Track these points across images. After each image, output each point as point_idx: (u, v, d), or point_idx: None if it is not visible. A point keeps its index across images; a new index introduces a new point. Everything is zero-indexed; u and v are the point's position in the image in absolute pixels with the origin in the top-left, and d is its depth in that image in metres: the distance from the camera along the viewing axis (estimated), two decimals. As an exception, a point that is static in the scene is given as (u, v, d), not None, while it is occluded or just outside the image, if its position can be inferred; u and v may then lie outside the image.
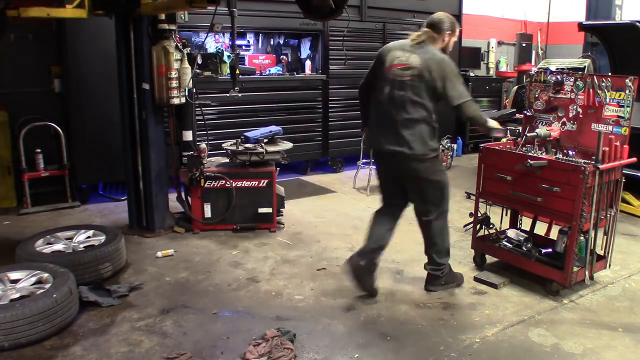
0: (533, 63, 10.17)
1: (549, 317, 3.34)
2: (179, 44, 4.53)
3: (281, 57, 7.03)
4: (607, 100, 3.62)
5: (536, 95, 4.03)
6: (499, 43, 10.19)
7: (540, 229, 4.14)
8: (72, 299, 3.13)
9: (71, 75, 5.42)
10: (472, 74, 8.96)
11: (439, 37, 3.38)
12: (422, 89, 3.24)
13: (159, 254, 4.23)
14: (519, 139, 3.89)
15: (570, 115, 3.84)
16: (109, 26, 4.62)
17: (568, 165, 3.42)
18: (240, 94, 5.06)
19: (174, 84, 4.44)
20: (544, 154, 3.73)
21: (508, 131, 3.83)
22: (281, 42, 7.18)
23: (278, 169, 5.15)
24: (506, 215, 4.15)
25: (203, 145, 4.75)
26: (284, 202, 5.06)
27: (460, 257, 4.26)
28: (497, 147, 3.95)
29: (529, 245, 3.82)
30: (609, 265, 3.79)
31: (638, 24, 5.67)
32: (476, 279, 3.82)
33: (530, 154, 3.71)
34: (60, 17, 4.44)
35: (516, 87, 8.49)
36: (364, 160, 6.43)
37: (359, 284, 3.51)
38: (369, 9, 7.08)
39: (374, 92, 3.44)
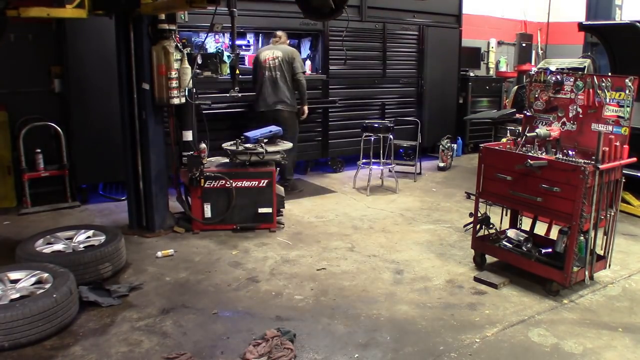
0: (533, 63, 10.18)
1: (549, 317, 3.34)
2: (179, 44, 4.53)
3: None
4: (607, 100, 3.62)
5: (536, 95, 4.03)
6: (499, 43, 10.20)
7: (540, 229, 4.14)
8: (72, 299, 3.13)
9: (71, 75, 5.42)
10: (472, 74, 8.95)
11: (285, 39, 6.15)
12: (284, 68, 5.87)
13: (159, 254, 4.23)
14: (519, 139, 3.89)
15: (570, 115, 3.84)
16: (109, 26, 4.62)
17: (568, 165, 3.42)
18: (240, 94, 5.05)
19: (174, 84, 4.44)
20: (544, 154, 3.73)
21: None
22: (281, 42, 7.25)
23: (278, 169, 5.16)
24: (506, 215, 4.15)
25: (203, 145, 4.75)
26: (284, 202, 5.06)
27: (460, 257, 4.27)
28: (497, 147, 3.95)
29: (529, 245, 3.82)
30: (609, 265, 3.79)
31: (638, 24, 5.67)
32: (476, 279, 3.82)
33: (530, 154, 3.71)
34: (60, 17, 4.44)
35: (516, 87, 8.49)
36: (364, 160, 6.43)
37: None
38: (369, 9, 7.09)
39: (259, 78, 5.94)
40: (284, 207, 5.06)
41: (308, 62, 6.91)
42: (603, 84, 3.63)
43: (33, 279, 3.25)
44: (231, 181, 4.70)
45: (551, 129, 3.87)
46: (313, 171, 7.15)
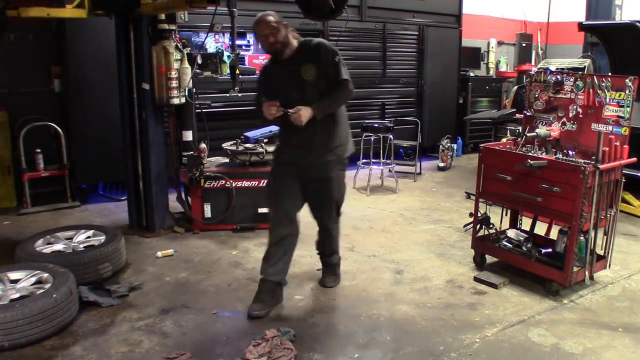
0: (533, 63, 10.17)
1: (549, 317, 3.33)
2: (179, 44, 4.53)
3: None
4: (607, 100, 3.62)
5: (536, 95, 4.03)
6: (499, 43, 10.19)
7: (540, 229, 4.14)
8: (72, 299, 3.13)
9: (71, 75, 5.42)
10: (472, 74, 8.94)
11: None
12: None
13: (159, 254, 4.23)
14: (519, 139, 3.89)
15: (570, 115, 3.84)
16: (109, 26, 4.62)
17: (568, 165, 3.42)
18: (240, 94, 5.06)
19: (174, 84, 4.44)
20: (544, 154, 3.72)
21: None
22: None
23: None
24: (506, 215, 4.15)
25: (203, 145, 4.75)
26: (284, 202, 5.05)
27: (460, 257, 4.26)
28: (497, 147, 3.95)
29: (529, 245, 3.82)
30: (609, 265, 3.79)
31: (638, 24, 5.67)
32: (476, 279, 3.82)
33: (530, 154, 3.71)
34: (60, 17, 4.44)
35: (516, 87, 8.50)
36: (364, 160, 6.43)
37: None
38: (369, 9, 7.08)
39: None
40: (284, 207, 5.05)
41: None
42: (603, 84, 3.63)
43: (33, 279, 3.25)
44: (231, 181, 4.70)
45: (551, 129, 3.87)
46: (313, 171, 7.14)
